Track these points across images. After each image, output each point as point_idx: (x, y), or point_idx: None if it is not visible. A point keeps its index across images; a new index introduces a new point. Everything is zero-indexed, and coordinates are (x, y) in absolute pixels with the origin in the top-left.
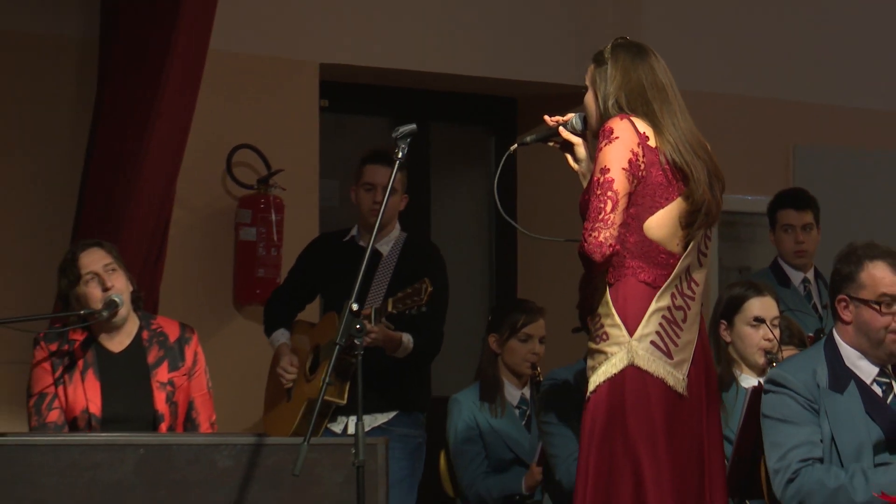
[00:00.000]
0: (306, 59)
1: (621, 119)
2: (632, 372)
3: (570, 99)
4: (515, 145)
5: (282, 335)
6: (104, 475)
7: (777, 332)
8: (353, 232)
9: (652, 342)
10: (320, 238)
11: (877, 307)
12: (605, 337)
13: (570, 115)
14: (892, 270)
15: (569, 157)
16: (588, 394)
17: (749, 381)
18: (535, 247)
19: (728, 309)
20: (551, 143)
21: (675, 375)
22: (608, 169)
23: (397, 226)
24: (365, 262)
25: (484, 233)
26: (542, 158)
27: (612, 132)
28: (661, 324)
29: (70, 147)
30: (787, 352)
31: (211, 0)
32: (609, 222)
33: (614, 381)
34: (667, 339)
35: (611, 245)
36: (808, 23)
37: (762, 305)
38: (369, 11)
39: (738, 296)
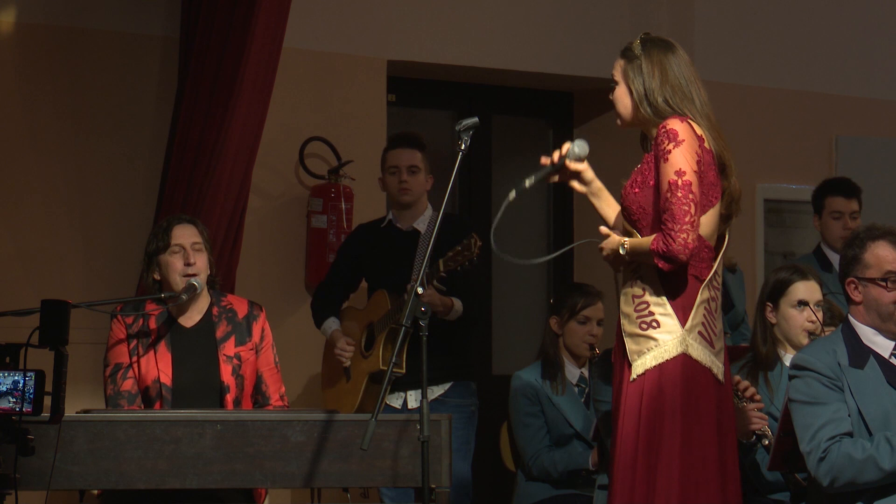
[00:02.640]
0: (375, 55)
1: (682, 121)
2: (683, 360)
3: None
4: (513, 192)
5: (333, 323)
6: (184, 449)
7: (820, 314)
8: (389, 216)
9: (699, 332)
10: (358, 229)
11: (883, 284)
12: (655, 325)
13: (565, 146)
14: (894, 248)
15: (576, 184)
16: (634, 376)
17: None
18: (590, 233)
19: (774, 292)
20: (552, 180)
21: (717, 364)
22: (684, 171)
23: (428, 205)
24: (427, 244)
25: (542, 218)
26: (598, 147)
27: (677, 134)
28: (704, 315)
29: (152, 139)
30: (830, 332)
31: (285, 1)
32: (694, 225)
33: (664, 368)
34: (709, 330)
35: (695, 246)
36: (850, 19)
37: (806, 289)
38: (434, 11)
39: (783, 279)
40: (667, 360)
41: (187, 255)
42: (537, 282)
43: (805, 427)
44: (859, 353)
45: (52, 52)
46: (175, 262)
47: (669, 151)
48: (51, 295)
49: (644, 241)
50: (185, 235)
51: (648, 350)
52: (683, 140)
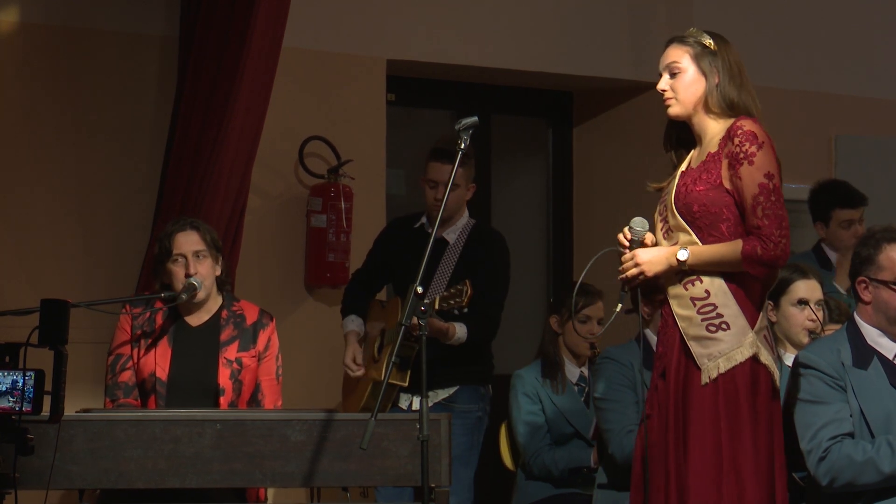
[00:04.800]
0: (374, 55)
1: (755, 122)
2: (751, 364)
3: (622, 93)
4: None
5: (351, 322)
6: (183, 448)
7: (821, 313)
8: (423, 220)
9: (764, 336)
10: (394, 222)
11: (895, 288)
12: (725, 327)
13: (627, 236)
14: None
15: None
16: (706, 379)
17: (792, 359)
18: (590, 232)
19: (774, 290)
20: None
21: (775, 367)
22: (773, 175)
23: (465, 213)
24: (429, 250)
25: (541, 218)
26: (597, 146)
27: (756, 136)
28: (766, 318)
29: (152, 139)
30: (833, 329)
31: (284, 0)
32: (788, 228)
33: (736, 370)
34: (768, 333)
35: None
36: (849, 18)
37: (807, 288)
38: (434, 11)
39: (784, 278)
40: (740, 364)
41: (188, 264)
42: (536, 280)
43: (806, 426)
44: (863, 354)
45: (52, 52)
46: (177, 271)
47: (754, 154)
48: (50, 294)
49: (718, 248)
50: (187, 243)
51: (721, 353)
52: (764, 142)
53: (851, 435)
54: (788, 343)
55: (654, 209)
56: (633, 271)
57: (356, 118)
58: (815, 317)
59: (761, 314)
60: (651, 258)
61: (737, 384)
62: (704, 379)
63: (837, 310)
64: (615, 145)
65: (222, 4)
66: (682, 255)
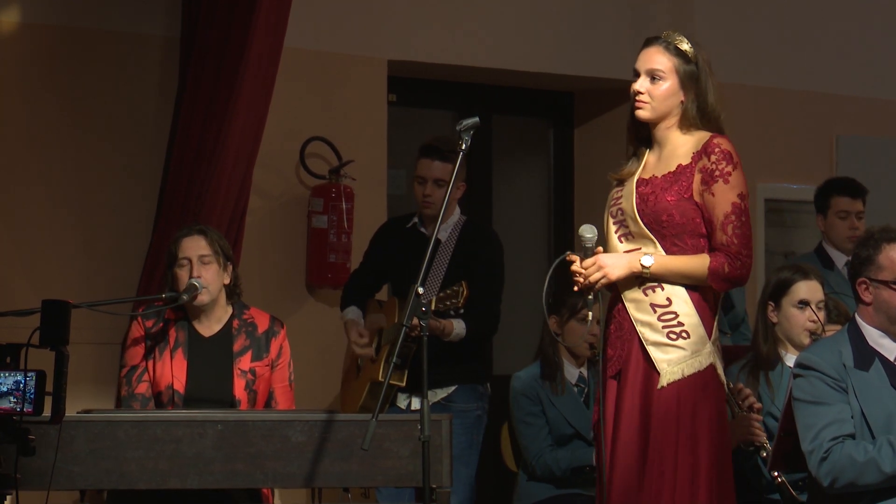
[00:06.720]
0: (376, 55)
1: (729, 141)
2: (710, 371)
3: (623, 94)
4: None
5: (351, 311)
6: (185, 449)
7: (822, 314)
8: (415, 219)
9: (717, 346)
10: (388, 223)
11: (895, 287)
12: (685, 335)
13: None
14: None
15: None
16: (664, 383)
17: (794, 360)
18: None
19: (775, 291)
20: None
21: (724, 377)
22: (745, 195)
23: (457, 210)
24: (429, 251)
25: (542, 218)
26: (598, 147)
27: (731, 155)
28: (718, 328)
29: (153, 139)
30: (833, 330)
31: (286, 0)
32: (752, 249)
33: (693, 378)
34: (718, 343)
35: None
36: (851, 18)
37: (808, 289)
38: (435, 11)
39: (785, 279)
40: (698, 371)
41: (192, 268)
42: (537, 281)
43: (808, 427)
44: (864, 355)
45: (52, 52)
46: (182, 276)
47: (729, 173)
48: (51, 295)
49: (684, 259)
50: (192, 248)
51: (680, 360)
52: (738, 162)
53: (853, 436)
54: (789, 344)
55: None
56: (597, 275)
57: (357, 119)
58: (816, 318)
59: (715, 324)
60: (614, 262)
61: (696, 391)
62: (662, 383)
63: (836, 310)
64: (616, 146)
65: (223, 4)
66: (647, 261)
